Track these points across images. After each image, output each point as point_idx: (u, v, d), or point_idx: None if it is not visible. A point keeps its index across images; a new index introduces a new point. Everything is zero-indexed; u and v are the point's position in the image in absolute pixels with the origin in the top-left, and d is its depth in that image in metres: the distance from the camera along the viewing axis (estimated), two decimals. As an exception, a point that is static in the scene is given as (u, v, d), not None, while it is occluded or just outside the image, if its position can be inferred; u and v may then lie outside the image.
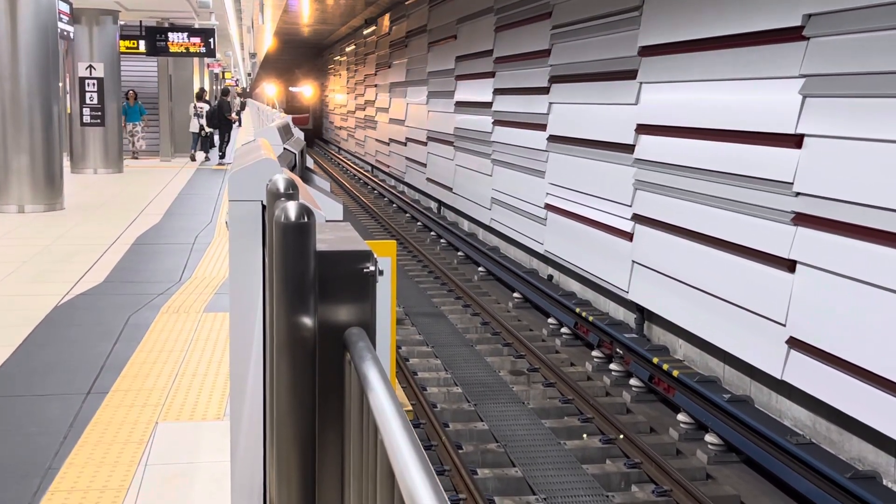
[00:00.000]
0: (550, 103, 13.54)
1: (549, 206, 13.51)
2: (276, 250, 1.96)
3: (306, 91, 52.78)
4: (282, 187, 2.35)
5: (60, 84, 14.27)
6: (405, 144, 25.08)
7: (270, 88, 55.41)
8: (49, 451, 4.36)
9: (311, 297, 1.91)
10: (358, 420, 1.73)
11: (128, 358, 5.94)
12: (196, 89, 26.62)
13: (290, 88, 53.07)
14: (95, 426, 4.71)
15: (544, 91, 13.72)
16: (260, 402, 2.79)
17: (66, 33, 17.47)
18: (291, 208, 1.89)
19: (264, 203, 2.79)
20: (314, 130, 52.91)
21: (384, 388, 1.52)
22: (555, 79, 13.37)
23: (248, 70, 76.26)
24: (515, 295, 13.78)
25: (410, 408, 8.13)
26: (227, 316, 2.90)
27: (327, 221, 2.76)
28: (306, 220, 1.89)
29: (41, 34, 13.13)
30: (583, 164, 12.27)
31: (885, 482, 6.75)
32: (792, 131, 7.64)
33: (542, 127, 13.77)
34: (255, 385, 2.83)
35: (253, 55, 54.87)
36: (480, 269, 15.79)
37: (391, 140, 27.56)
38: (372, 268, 1.97)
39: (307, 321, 1.91)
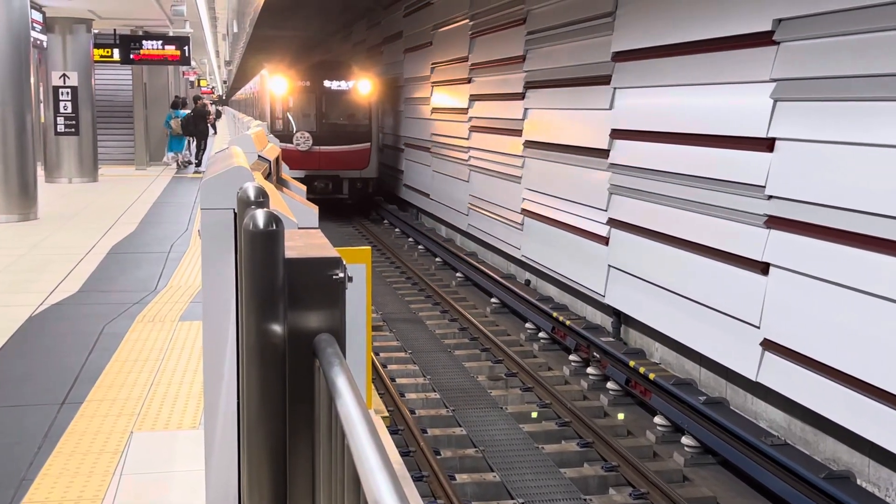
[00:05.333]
0: (526, 109, 13.59)
1: (525, 212, 13.56)
2: (245, 258, 1.97)
3: (362, 87, 22.96)
4: (252, 195, 2.36)
5: (33, 79, 14.18)
6: (381, 151, 25.08)
7: (278, 85, 22.70)
8: (23, 461, 4.34)
9: (280, 305, 1.92)
10: (327, 426, 1.74)
11: (103, 368, 5.91)
12: (174, 97, 26.64)
13: (328, 84, 22.81)
14: (70, 436, 4.69)
15: (520, 97, 13.77)
16: (234, 410, 2.79)
17: (39, 42, 17.38)
18: (260, 216, 1.91)
19: (236, 211, 2.80)
20: (378, 182, 23.94)
21: (351, 394, 1.53)
22: (530, 84, 13.43)
23: (223, 77, 75.95)
24: (493, 300, 13.80)
25: (387, 414, 8.12)
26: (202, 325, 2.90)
27: (300, 228, 2.77)
28: (275, 227, 1.90)
29: (13, 43, 13.06)
30: (559, 169, 12.32)
31: (858, 482, 6.82)
32: (763, 135, 7.71)
33: (518, 132, 13.81)
34: (228, 393, 2.83)
35: (228, 62, 54.65)
36: (458, 274, 15.80)
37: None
38: (341, 274, 1.98)
39: (277, 328, 1.92)
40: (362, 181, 22.80)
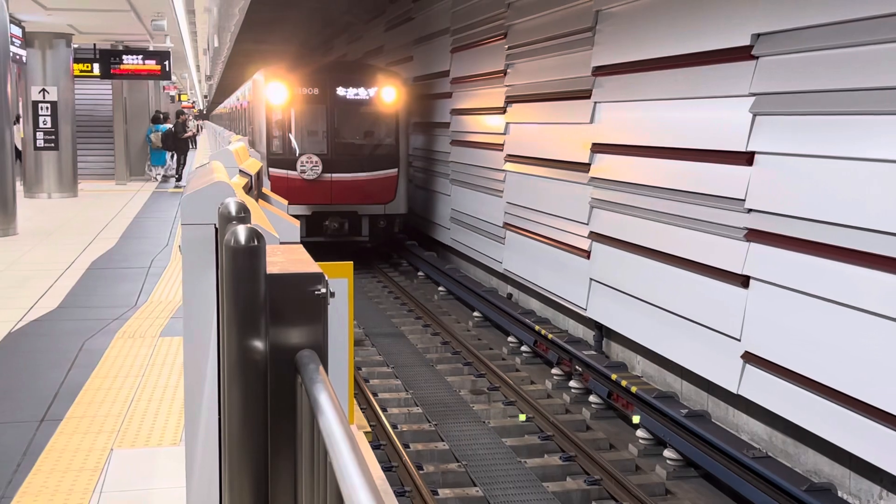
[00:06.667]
0: (507, 123, 13.63)
1: (507, 225, 13.58)
2: (226, 274, 1.96)
3: (386, 96, 17.43)
4: (233, 210, 2.35)
5: (12, 94, 14.13)
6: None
7: (276, 94, 16.87)
8: (2, 479, 4.29)
9: (261, 320, 1.91)
10: (309, 443, 1.73)
11: (82, 384, 5.86)
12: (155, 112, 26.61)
13: (342, 92, 17.15)
14: (49, 454, 4.64)
15: (501, 111, 13.82)
16: (215, 426, 2.77)
17: (18, 57, 17.30)
18: (241, 232, 1.90)
19: (217, 227, 2.79)
20: (408, 220, 18.84)
21: (334, 411, 1.53)
22: (511, 99, 13.47)
23: (204, 92, 75.83)
24: (475, 314, 13.80)
25: (369, 429, 8.10)
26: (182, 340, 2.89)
27: (282, 243, 2.76)
28: (256, 243, 1.89)
29: (-8, 58, 13.00)
30: (540, 183, 12.36)
31: (840, 493, 6.84)
32: (743, 149, 7.76)
33: (500, 147, 13.85)
34: (209, 410, 2.82)
35: (209, 77, 54.56)
36: (440, 288, 15.79)
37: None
38: (323, 290, 1.98)
39: (258, 344, 1.91)
40: (386, 219, 17.51)
